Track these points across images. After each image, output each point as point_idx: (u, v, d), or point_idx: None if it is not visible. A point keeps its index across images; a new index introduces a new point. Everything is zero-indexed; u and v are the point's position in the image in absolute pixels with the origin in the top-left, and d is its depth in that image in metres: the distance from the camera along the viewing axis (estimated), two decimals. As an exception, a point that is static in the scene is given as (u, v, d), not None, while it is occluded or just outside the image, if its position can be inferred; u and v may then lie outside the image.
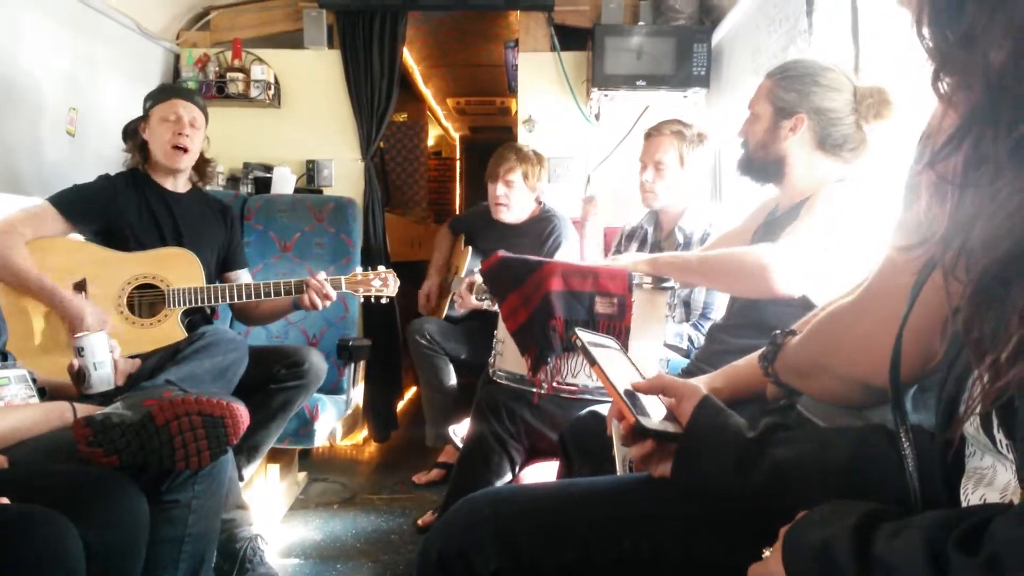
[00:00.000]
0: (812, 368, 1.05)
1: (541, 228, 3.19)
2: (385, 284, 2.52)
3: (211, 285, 2.45)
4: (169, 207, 2.52)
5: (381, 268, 2.55)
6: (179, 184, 2.58)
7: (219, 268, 2.65)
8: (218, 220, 2.66)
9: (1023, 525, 0.53)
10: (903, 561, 0.60)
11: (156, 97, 2.51)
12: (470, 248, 3.32)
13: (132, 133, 2.54)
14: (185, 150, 2.47)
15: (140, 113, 2.54)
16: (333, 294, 2.45)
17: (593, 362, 0.98)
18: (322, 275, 2.45)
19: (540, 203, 3.30)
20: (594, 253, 3.26)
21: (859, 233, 1.53)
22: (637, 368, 1.06)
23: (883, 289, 0.92)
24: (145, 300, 2.40)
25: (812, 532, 0.71)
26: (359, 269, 2.55)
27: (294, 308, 2.56)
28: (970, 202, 0.59)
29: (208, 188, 2.80)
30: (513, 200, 3.19)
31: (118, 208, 2.43)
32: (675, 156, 2.56)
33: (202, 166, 2.65)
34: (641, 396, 0.99)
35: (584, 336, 1.03)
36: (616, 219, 3.38)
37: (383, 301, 2.57)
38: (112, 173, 2.53)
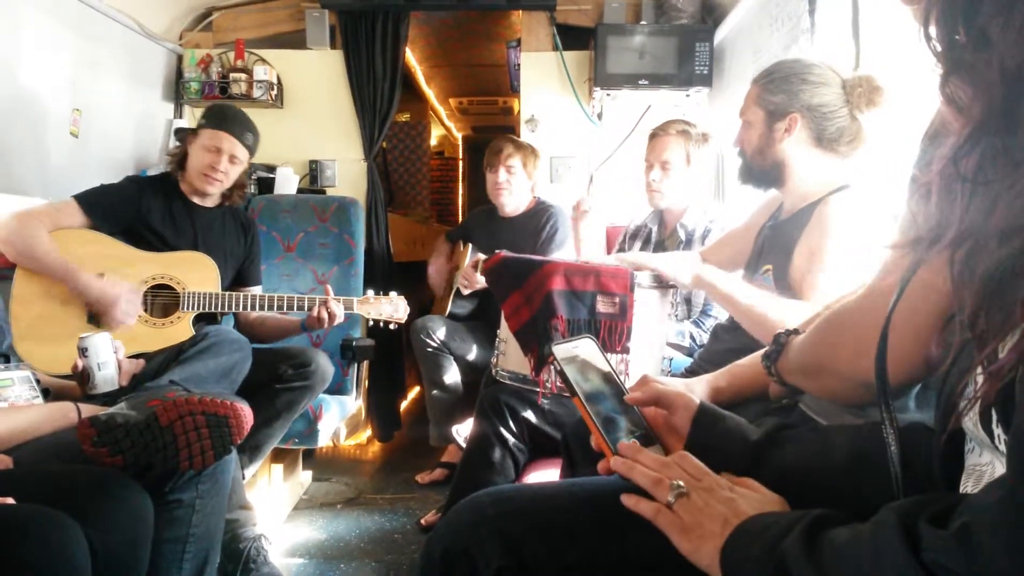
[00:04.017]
0: (815, 367, 1.05)
1: (537, 219, 3.21)
2: (396, 309, 2.54)
3: (226, 292, 2.47)
4: (192, 218, 2.56)
5: (393, 294, 2.56)
6: (207, 200, 2.61)
7: (233, 281, 2.67)
8: (239, 235, 2.69)
9: (994, 493, 0.54)
10: (873, 539, 0.60)
11: (211, 121, 2.51)
12: (470, 246, 3.33)
13: (182, 140, 2.57)
14: (218, 181, 2.52)
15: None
16: (342, 315, 2.47)
17: (573, 393, 0.97)
18: (331, 293, 2.46)
19: (535, 196, 3.31)
20: (592, 255, 3.24)
21: (868, 237, 1.53)
22: (612, 367, 1.04)
23: (885, 289, 0.92)
24: (159, 300, 2.42)
25: (751, 546, 0.72)
26: (371, 293, 2.57)
27: (303, 330, 2.57)
28: (982, 197, 0.59)
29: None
30: (514, 185, 3.20)
31: (141, 211, 2.46)
32: (681, 155, 2.56)
33: (234, 190, 2.66)
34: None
35: (560, 353, 1.00)
36: (620, 218, 3.38)
37: (392, 327, 2.59)
38: (136, 175, 2.56)
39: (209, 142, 2.48)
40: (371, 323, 2.58)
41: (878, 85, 1.60)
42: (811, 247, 1.61)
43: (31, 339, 2.24)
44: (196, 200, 2.58)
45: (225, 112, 2.55)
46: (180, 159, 2.56)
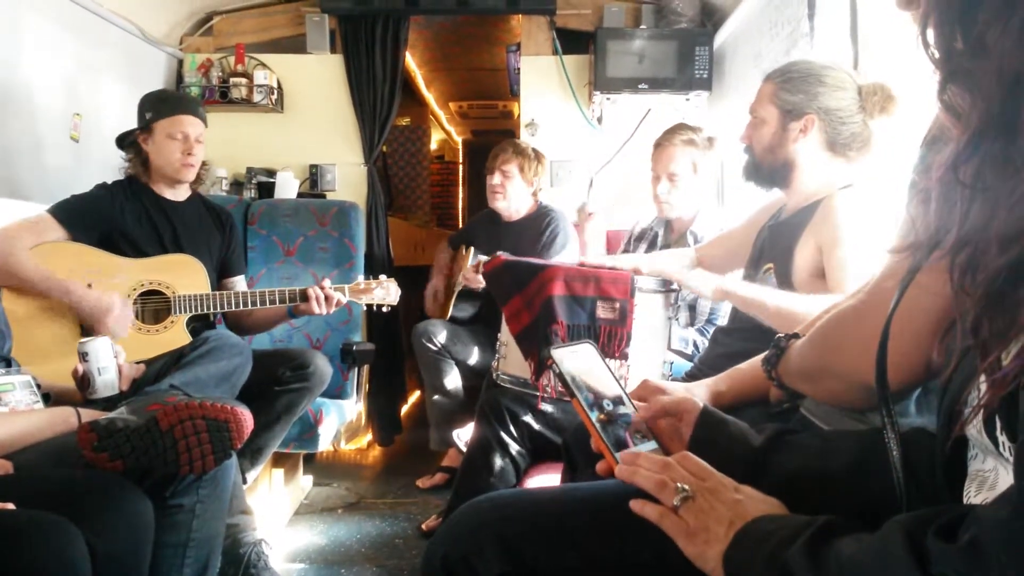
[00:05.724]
0: (816, 371, 1.05)
1: (538, 223, 3.21)
2: (387, 293, 2.53)
3: (217, 292, 2.45)
4: (167, 215, 2.52)
5: (383, 277, 2.56)
6: (179, 193, 2.57)
7: (217, 274, 2.64)
8: (216, 226, 2.66)
9: (1004, 508, 0.53)
10: (880, 554, 0.60)
11: (159, 110, 2.45)
12: (472, 248, 3.33)
13: (132, 144, 2.51)
14: (193, 166, 2.49)
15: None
16: (342, 298, 2.45)
17: (572, 396, 0.97)
18: (327, 282, 2.45)
19: (538, 200, 3.32)
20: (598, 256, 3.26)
21: (874, 233, 1.53)
22: (613, 373, 1.04)
23: (886, 292, 0.92)
24: (150, 307, 2.40)
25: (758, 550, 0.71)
26: (361, 278, 2.57)
27: (290, 315, 2.56)
28: (982, 203, 0.59)
29: (211, 193, 2.79)
30: (508, 190, 3.21)
31: (116, 217, 2.42)
32: (688, 165, 2.55)
33: (200, 172, 2.61)
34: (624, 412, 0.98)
35: (558, 356, 0.99)
36: (621, 222, 3.38)
37: (385, 310, 2.59)
38: (110, 181, 2.52)
39: (172, 129, 2.43)
40: (365, 308, 2.59)
41: (893, 94, 1.60)
42: (820, 241, 1.60)
43: (25, 358, 2.21)
44: (168, 196, 2.54)
45: (167, 97, 2.50)
46: (142, 160, 2.49)
